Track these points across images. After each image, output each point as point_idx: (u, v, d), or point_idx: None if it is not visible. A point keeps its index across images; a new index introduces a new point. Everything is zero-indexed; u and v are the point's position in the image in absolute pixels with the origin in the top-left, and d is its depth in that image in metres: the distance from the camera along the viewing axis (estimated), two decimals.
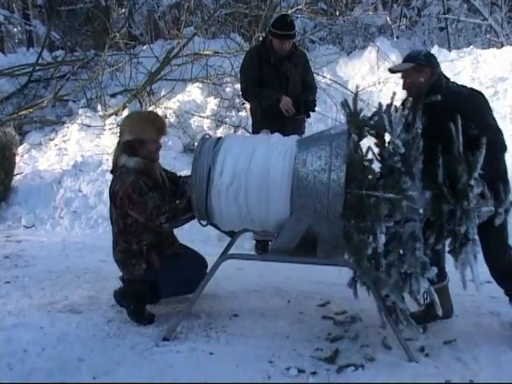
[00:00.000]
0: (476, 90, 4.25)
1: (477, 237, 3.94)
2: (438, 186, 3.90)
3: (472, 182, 3.78)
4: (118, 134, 4.81)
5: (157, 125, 4.62)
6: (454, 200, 3.85)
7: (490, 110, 4.13)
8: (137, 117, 4.96)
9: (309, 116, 6.35)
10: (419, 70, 4.16)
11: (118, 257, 4.60)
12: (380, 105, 3.98)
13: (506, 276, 4.21)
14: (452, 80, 4.28)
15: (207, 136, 4.30)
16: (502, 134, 4.04)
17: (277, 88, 6.04)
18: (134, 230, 4.46)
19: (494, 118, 4.10)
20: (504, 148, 4.04)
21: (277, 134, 4.30)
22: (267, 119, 5.97)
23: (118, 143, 4.64)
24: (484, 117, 4.05)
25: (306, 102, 6.08)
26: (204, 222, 4.24)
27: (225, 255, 4.35)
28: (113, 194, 4.45)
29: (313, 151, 3.89)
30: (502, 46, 11.24)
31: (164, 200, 4.46)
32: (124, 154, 4.50)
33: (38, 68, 10.72)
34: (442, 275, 4.32)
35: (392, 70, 4.42)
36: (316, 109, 6.42)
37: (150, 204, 4.30)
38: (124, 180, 4.38)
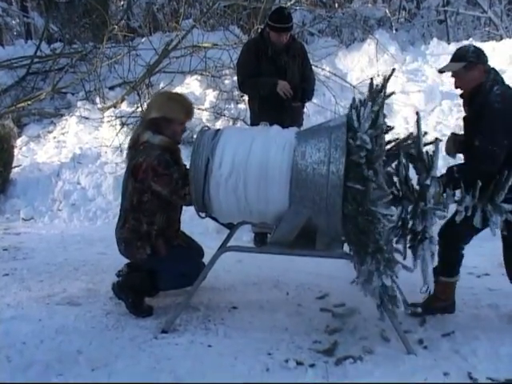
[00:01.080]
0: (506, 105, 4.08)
1: (434, 235, 3.94)
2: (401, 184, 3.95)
3: (428, 182, 3.78)
4: (144, 111, 4.78)
5: (186, 107, 4.62)
6: (414, 198, 3.87)
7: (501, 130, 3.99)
8: (168, 96, 4.95)
9: (304, 103, 6.33)
10: (471, 68, 4.09)
11: (123, 235, 4.52)
12: (353, 100, 3.97)
13: None
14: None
15: (206, 128, 4.29)
16: (494, 163, 3.96)
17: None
18: (148, 208, 4.41)
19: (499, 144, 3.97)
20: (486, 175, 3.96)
21: (276, 126, 4.29)
22: (265, 111, 5.96)
23: (142, 120, 4.62)
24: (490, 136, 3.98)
25: (303, 90, 6.07)
26: (203, 214, 4.24)
27: (223, 248, 4.35)
28: (135, 167, 4.38)
29: (312, 143, 3.88)
30: (502, 38, 11.23)
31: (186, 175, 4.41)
32: (148, 131, 4.45)
33: (36, 60, 10.70)
34: (452, 271, 4.36)
35: (442, 71, 4.32)
36: (315, 101, 6.44)
37: (176, 175, 4.27)
38: (149, 153, 4.33)
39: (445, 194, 3.90)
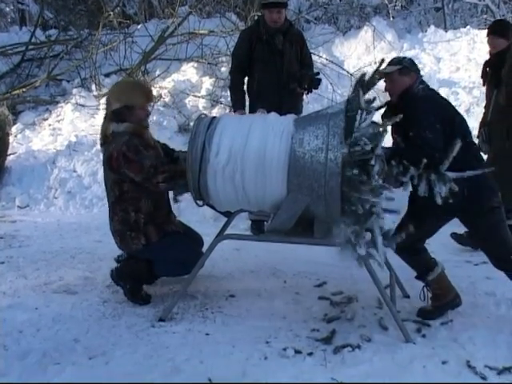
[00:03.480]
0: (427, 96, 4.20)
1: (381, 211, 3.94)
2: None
3: (372, 162, 3.76)
4: (105, 106, 4.77)
5: (144, 91, 4.63)
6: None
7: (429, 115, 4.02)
8: (124, 84, 4.97)
9: (308, 92, 6.32)
10: (404, 73, 4.18)
11: (115, 228, 4.52)
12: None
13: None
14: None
15: (203, 116, 4.26)
16: (432, 148, 3.93)
17: (269, 65, 6.02)
18: (131, 196, 4.40)
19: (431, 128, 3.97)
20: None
21: (273, 114, 4.27)
22: (263, 97, 5.95)
23: (106, 115, 4.60)
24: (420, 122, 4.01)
25: (311, 78, 6.06)
26: (200, 203, 4.22)
27: (221, 236, 4.33)
28: (108, 158, 4.39)
29: (310, 130, 3.86)
30: None
31: (160, 160, 4.41)
32: (113, 122, 4.45)
33: (31, 47, 10.63)
34: (431, 265, 4.31)
35: (378, 71, 4.31)
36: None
37: (147, 162, 4.25)
38: (117, 141, 4.33)
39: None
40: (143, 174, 4.26)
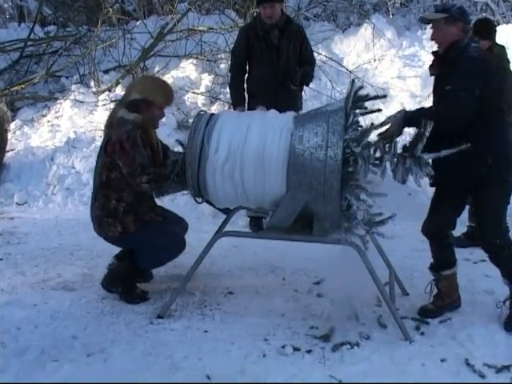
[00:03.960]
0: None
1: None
2: None
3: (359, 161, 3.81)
4: (125, 92, 4.76)
5: (167, 93, 4.61)
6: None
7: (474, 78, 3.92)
8: (150, 79, 4.97)
9: (302, 88, 6.33)
10: (451, 23, 3.99)
11: (95, 213, 4.51)
12: None
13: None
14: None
15: (202, 112, 4.25)
16: (460, 108, 3.87)
17: (266, 61, 6.02)
18: (117, 184, 4.38)
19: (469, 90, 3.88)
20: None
21: (272, 111, 4.26)
22: (260, 94, 5.96)
23: (119, 101, 4.60)
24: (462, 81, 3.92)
25: (303, 73, 6.06)
26: (199, 200, 4.22)
27: (220, 233, 4.32)
28: (107, 142, 4.40)
29: (309, 128, 3.86)
30: (498, 24, 11.14)
31: (153, 162, 4.40)
32: (124, 110, 4.44)
33: (29, 43, 10.60)
34: (451, 261, 4.34)
35: (423, 19, 4.27)
36: (311, 85, 6.44)
37: (138, 160, 4.25)
38: (121, 128, 4.33)
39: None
40: (130, 169, 4.26)
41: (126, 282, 4.53)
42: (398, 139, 3.99)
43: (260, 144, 3.89)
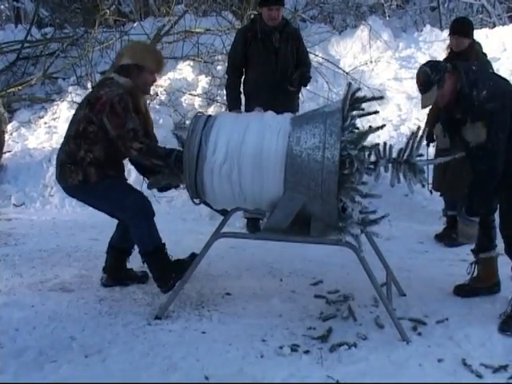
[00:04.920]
0: None
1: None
2: None
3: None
4: (116, 57, 4.77)
5: (158, 58, 4.65)
6: None
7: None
8: (141, 45, 4.99)
9: (300, 89, 6.34)
10: (443, 86, 4.05)
11: (60, 157, 4.52)
12: None
13: None
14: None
15: (200, 114, 4.26)
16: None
17: (265, 63, 6.04)
18: (91, 138, 4.36)
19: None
20: None
21: (270, 112, 4.27)
22: (258, 95, 5.97)
23: (111, 67, 4.60)
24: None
25: (301, 74, 6.07)
26: (197, 201, 4.22)
27: (217, 234, 4.33)
28: (95, 98, 4.37)
29: (307, 129, 3.87)
30: (494, 26, 11.21)
31: (146, 133, 4.42)
32: (116, 74, 4.46)
33: (26, 45, 10.58)
34: (489, 245, 4.49)
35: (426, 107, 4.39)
36: (308, 87, 6.47)
37: (130, 124, 4.24)
38: (112, 89, 4.33)
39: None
40: (121, 133, 4.24)
41: (112, 272, 4.73)
42: (393, 143, 4.03)
43: (257, 145, 3.91)
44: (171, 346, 3.80)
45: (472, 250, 4.56)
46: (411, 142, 3.94)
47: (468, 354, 3.71)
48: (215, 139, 3.95)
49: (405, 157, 3.95)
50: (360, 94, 4.06)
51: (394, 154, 3.97)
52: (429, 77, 4.03)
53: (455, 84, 4.03)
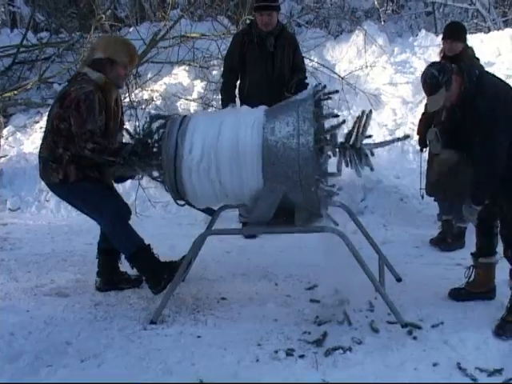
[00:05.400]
0: None
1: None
2: None
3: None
4: (88, 52, 4.79)
5: (131, 52, 4.66)
6: None
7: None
8: (113, 39, 5.05)
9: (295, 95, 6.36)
10: (450, 87, 4.02)
11: (41, 153, 4.56)
12: None
13: None
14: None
15: (176, 116, 4.29)
16: None
17: (260, 67, 6.06)
18: (65, 135, 4.40)
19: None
20: None
21: (245, 107, 4.33)
22: (253, 100, 5.96)
23: (84, 61, 4.63)
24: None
25: (298, 81, 6.08)
26: (181, 202, 4.24)
27: (205, 231, 4.33)
28: (65, 94, 4.43)
29: (280, 118, 3.93)
30: (489, 30, 11.24)
31: (106, 128, 4.46)
32: (89, 68, 4.48)
33: (22, 50, 10.57)
34: (489, 250, 4.47)
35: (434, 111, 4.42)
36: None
37: (89, 125, 4.27)
38: (82, 86, 4.36)
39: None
40: (78, 131, 4.29)
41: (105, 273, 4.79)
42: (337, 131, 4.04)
43: (233, 139, 3.95)
44: (166, 351, 3.80)
45: (472, 254, 4.56)
46: (356, 126, 3.98)
47: (463, 358, 3.71)
48: (191, 137, 3.99)
49: (351, 142, 3.97)
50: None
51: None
52: (437, 79, 3.99)
53: (462, 85, 4.01)
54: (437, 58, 6.18)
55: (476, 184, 4.08)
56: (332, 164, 4.14)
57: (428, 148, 5.96)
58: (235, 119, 4.06)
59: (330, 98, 4.20)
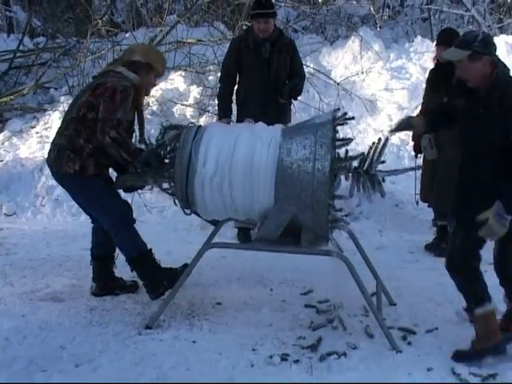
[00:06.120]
0: None
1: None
2: None
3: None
4: (124, 53, 4.81)
5: (165, 65, 4.79)
6: None
7: None
8: (153, 48, 5.22)
9: (290, 101, 6.38)
10: (475, 59, 3.61)
11: (59, 141, 4.49)
12: None
13: None
14: None
15: (192, 125, 4.29)
16: None
17: (257, 73, 6.07)
18: (90, 126, 4.37)
19: None
20: None
21: (260, 123, 4.30)
22: (249, 106, 6.01)
23: (117, 60, 4.69)
24: None
25: (291, 86, 6.10)
26: (188, 211, 4.24)
27: (208, 244, 4.34)
28: (100, 83, 4.42)
29: (297, 140, 3.90)
30: None
31: (130, 126, 4.50)
32: (124, 68, 4.50)
33: (18, 55, 10.58)
34: (482, 296, 3.81)
35: (445, 59, 4.10)
36: (299, 98, 6.47)
37: (119, 114, 4.29)
38: (120, 80, 4.39)
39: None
40: (106, 117, 4.28)
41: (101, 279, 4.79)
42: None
43: (248, 157, 3.93)
44: (161, 356, 3.80)
45: (465, 309, 4.13)
46: (372, 152, 3.99)
47: (457, 363, 3.72)
48: (205, 151, 3.97)
49: (365, 167, 3.99)
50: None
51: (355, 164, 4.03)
52: (474, 40, 3.60)
53: (487, 71, 3.62)
54: (432, 64, 6.20)
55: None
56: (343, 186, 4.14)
57: (423, 154, 6.00)
58: (251, 135, 4.04)
59: (346, 123, 4.16)
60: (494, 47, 3.68)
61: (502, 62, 3.75)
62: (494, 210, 3.46)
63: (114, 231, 4.49)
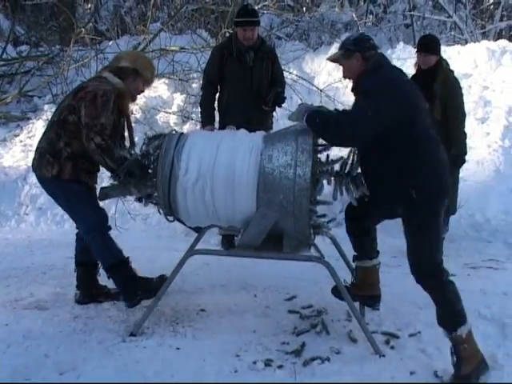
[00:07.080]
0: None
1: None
2: None
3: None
4: (112, 61, 4.81)
5: (153, 73, 4.74)
6: None
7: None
8: (143, 56, 5.13)
9: (274, 109, 6.40)
10: (348, 57, 3.86)
11: (41, 144, 4.53)
12: None
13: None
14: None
15: (173, 132, 4.30)
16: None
17: (239, 80, 6.09)
18: (71, 129, 4.37)
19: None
20: None
21: (242, 130, 4.31)
22: (232, 113, 6.02)
23: (105, 67, 4.70)
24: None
25: (275, 94, 6.12)
26: (171, 218, 4.26)
27: (191, 251, 4.35)
28: (82, 87, 4.45)
29: (279, 147, 3.91)
30: (466, 42, 11.38)
31: (115, 130, 4.47)
32: (110, 74, 4.51)
33: (2, 63, 10.56)
34: (462, 316, 3.75)
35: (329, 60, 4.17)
36: (282, 104, 6.49)
37: (102, 119, 4.27)
38: (102, 84, 4.39)
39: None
40: (90, 122, 4.26)
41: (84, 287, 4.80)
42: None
43: (230, 164, 3.94)
44: (145, 363, 3.81)
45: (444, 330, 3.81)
46: (351, 155, 4.03)
47: (440, 367, 3.76)
48: (187, 159, 3.98)
49: (346, 170, 4.03)
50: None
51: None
52: (347, 40, 3.95)
53: (360, 66, 3.83)
54: (413, 71, 6.25)
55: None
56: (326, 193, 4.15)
57: None
58: (233, 142, 4.05)
59: None
60: (366, 45, 3.89)
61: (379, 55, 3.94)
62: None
63: (89, 238, 4.51)
